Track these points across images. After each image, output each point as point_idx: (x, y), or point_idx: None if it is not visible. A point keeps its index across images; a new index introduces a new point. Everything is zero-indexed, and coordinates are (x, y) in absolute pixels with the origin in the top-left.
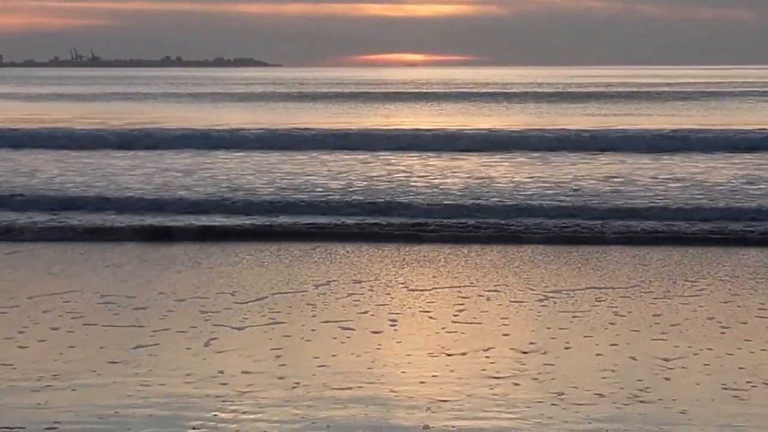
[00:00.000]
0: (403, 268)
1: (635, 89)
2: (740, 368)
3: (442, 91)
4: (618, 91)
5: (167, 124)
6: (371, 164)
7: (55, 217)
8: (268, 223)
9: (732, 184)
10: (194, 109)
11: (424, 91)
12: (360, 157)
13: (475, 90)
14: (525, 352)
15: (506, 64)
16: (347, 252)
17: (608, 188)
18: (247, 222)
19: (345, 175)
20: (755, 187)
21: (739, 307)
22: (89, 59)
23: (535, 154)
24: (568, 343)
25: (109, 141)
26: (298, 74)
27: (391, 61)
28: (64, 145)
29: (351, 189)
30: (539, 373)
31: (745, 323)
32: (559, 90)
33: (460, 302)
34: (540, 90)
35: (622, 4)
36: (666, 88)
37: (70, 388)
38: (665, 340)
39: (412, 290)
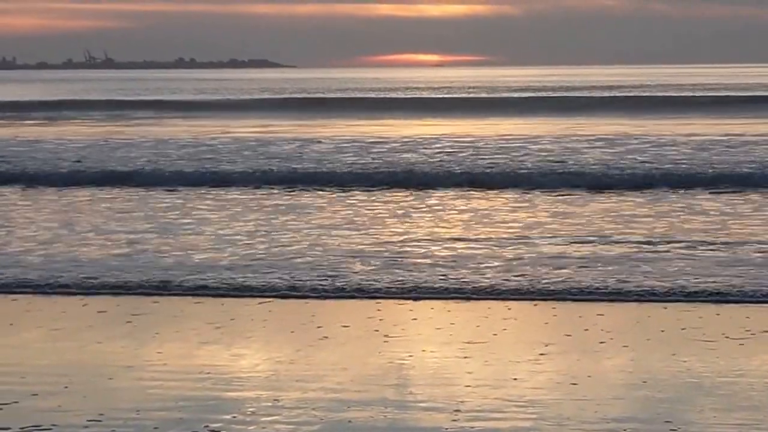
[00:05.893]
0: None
1: None
2: (758, 373)
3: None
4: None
5: None
6: None
7: None
8: None
9: None
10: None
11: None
12: None
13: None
14: (542, 354)
15: (522, 63)
16: None
17: None
18: None
19: None
20: None
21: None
22: (103, 61)
23: None
24: (585, 344)
25: None
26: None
27: (406, 61)
28: None
29: None
30: (556, 374)
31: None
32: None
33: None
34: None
35: (637, 2)
36: None
37: (97, 382)
38: (684, 344)
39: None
